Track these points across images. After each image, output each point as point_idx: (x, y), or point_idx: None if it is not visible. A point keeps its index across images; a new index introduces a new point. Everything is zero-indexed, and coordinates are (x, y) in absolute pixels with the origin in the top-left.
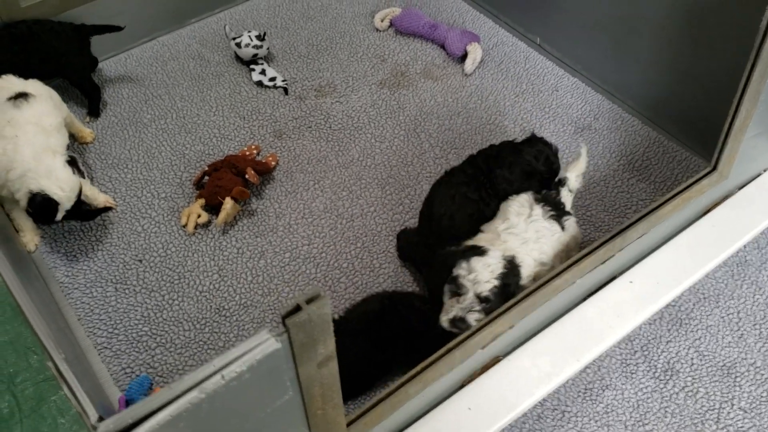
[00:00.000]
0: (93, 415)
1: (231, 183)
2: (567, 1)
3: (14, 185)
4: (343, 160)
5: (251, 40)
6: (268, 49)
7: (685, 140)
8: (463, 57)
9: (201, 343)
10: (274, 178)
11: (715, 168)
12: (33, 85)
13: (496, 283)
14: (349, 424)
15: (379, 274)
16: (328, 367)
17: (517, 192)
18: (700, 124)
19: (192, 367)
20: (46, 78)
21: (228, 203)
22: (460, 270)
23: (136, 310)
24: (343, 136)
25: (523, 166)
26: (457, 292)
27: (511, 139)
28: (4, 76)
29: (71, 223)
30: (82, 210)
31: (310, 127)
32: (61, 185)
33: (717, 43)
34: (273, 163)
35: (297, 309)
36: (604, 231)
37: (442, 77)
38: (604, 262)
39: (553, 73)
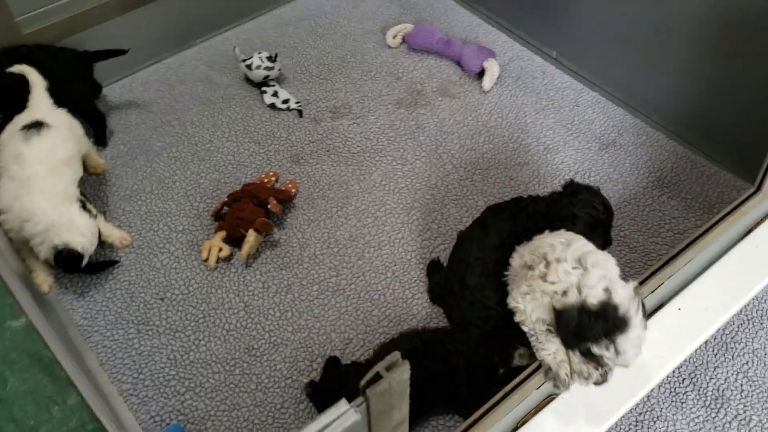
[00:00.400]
0: None
1: (253, 214)
2: (584, 13)
3: (35, 239)
4: (365, 185)
5: (262, 62)
6: (279, 70)
7: (713, 155)
8: (480, 73)
9: (232, 386)
10: (295, 205)
11: (759, 188)
12: (55, 115)
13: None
14: None
15: (412, 305)
16: (400, 429)
17: None
18: (732, 138)
19: (224, 411)
20: None
21: (251, 236)
22: (605, 352)
23: (161, 353)
24: (363, 159)
25: (586, 219)
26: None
27: (536, 158)
28: (37, 97)
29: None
30: (90, 263)
31: (328, 151)
32: (83, 232)
33: (753, 57)
34: (293, 190)
35: (377, 378)
36: (639, 252)
37: (460, 95)
38: (654, 291)
39: (572, 87)
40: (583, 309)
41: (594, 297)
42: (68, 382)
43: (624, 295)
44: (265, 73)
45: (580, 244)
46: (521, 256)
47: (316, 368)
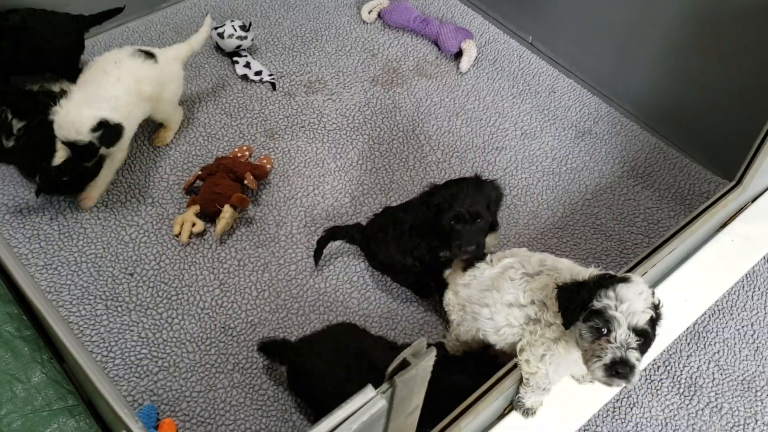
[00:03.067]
0: None
1: (229, 189)
2: (561, 0)
3: None
4: (342, 164)
5: (235, 31)
6: (252, 40)
7: (685, 148)
8: (457, 54)
9: (208, 366)
10: (270, 182)
11: (739, 182)
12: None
13: (651, 313)
14: None
15: (391, 287)
16: (413, 415)
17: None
18: (705, 132)
19: (200, 392)
20: (34, 73)
21: (227, 211)
22: (606, 300)
23: (132, 330)
24: (339, 137)
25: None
26: (600, 329)
27: (513, 143)
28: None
29: (47, 230)
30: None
31: (303, 127)
32: None
33: (727, 53)
34: (269, 166)
35: (404, 364)
36: (615, 240)
37: (437, 75)
38: None
39: (548, 73)
40: (581, 282)
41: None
42: (31, 359)
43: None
44: (238, 42)
45: (572, 270)
46: (514, 308)
47: None
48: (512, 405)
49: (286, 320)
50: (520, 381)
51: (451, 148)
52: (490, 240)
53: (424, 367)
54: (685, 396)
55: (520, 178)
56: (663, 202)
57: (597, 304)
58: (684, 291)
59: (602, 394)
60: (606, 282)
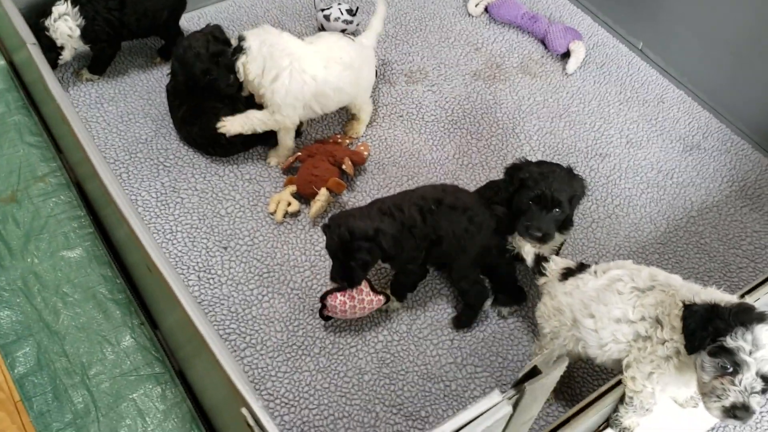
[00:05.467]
0: None
1: (328, 173)
2: (677, 7)
3: None
4: (438, 156)
5: (341, 14)
6: (357, 25)
7: None
8: (564, 55)
9: (295, 347)
10: (366, 169)
11: None
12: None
13: None
14: None
15: None
16: (526, 425)
17: None
18: None
19: (285, 373)
20: (139, 37)
21: (323, 194)
22: (742, 342)
23: (222, 304)
24: (437, 129)
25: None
26: (726, 367)
27: (618, 151)
28: None
29: (145, 197)
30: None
31: (401, 116)
32: None
33: None
34: (366, 153)
35: (535, 372)
36: (718, 262)
37: (541, 74)
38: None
39: (657, 82)
40: (715, 305)
41: (728, 299)
42: (122, 323)
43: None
44: (343, 26)
45: (691, 288)
46: (622, 323)
47: (382, 340)
48: (608, 422)
49: (375, 310)
50: (621, 399)
51: (552, 150)
52: (558, 238)
53: (554, 376)
54: None
55: (623, 187)
56: None
57: (731, 343)
58: None
59: (703, 421)
60: (745, 318)
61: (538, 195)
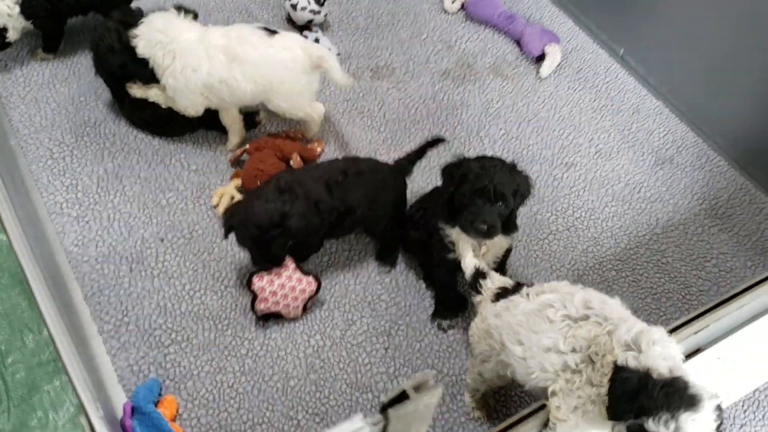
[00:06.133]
0: None
1: (273, 168)
2: (661, 15)
3: None
4: (395, 156)
5: (309, 4)
6: (325, 15)
7: None
8: (539, 58)
9: (222, 347)
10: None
11: None
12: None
13: None
14: None
15: (425, 296)
16: None
17: None
18: None
19: (208, 373)
20: (80, 14)
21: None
22: (662, 429)
23: (152, 297)
24: (398, 129)
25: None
26: None
27: (585, 161)
28: None
29: (86, 182)
30: None
31: (361, 113)
32: None
33: None
34: (319, 149)
35: (403, 397)
36: (679, 283)
37: (514, 76)
38: (697, 333)
39: (635, 91)
40: (647, 375)
41: (663, 368)
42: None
43: (698, 380)
44: (310, 16)
45: (629, 325)
46: (552, 353)
47: (313, 344)
48: None
49: (309, 314)
50: (545, 424)
51: (516, 156)
52: (503, 242)
53: (425, 404)
54: None
55: (586, 199)
56: (741, 249)
57: (651, 428)
58: (747, 354)
59: None
60: (673, 401)
61: (481, 188)
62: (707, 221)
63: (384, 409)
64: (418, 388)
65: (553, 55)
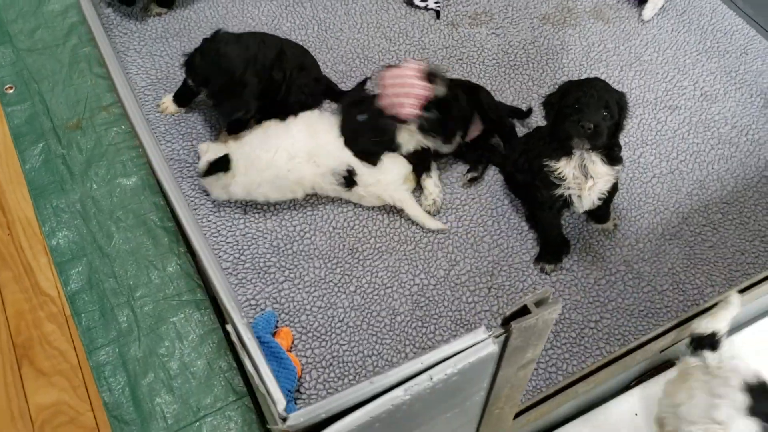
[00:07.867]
0: (281, 403)
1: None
2: None
3: None
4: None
5: None
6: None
7: None
8: (642, 0)
9: (331, 284)
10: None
11: None
12: None
13: None
14: (515, 417)
15: (527, 237)
16: (526, 369)
17: None
18: None
19: (320, 308)
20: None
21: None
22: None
23: (265, 238)
24: (497, 74)
25: None
26: None
27: (689, 104)
28: None
29: (200, 130)
30: None
31: (461, 59)
32: None
33: None
34: None
35: (524, 311)
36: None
37: (615, 20)
38: None
39: (743, 32)
40: None
41: None
42: (169, 250)
43: None
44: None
45: None
46: None
47: (418, 283)
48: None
49: (413, 253)
50: None
51: None
52: (608, 174)
53: (545, 319)
54: None
55: (691, 142)
56: None
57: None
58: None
59: None
60: None
61: (585, 94)
62: None
63: (506, 321)
64: (538, 304)
65: None
